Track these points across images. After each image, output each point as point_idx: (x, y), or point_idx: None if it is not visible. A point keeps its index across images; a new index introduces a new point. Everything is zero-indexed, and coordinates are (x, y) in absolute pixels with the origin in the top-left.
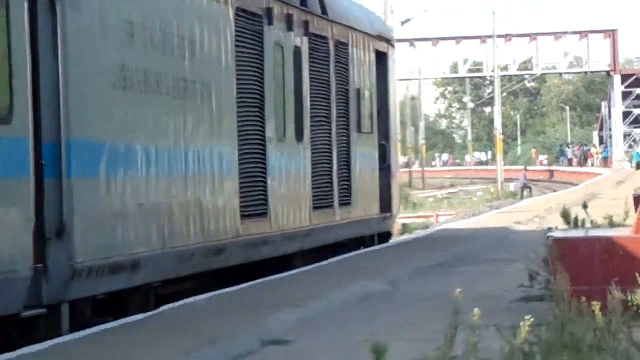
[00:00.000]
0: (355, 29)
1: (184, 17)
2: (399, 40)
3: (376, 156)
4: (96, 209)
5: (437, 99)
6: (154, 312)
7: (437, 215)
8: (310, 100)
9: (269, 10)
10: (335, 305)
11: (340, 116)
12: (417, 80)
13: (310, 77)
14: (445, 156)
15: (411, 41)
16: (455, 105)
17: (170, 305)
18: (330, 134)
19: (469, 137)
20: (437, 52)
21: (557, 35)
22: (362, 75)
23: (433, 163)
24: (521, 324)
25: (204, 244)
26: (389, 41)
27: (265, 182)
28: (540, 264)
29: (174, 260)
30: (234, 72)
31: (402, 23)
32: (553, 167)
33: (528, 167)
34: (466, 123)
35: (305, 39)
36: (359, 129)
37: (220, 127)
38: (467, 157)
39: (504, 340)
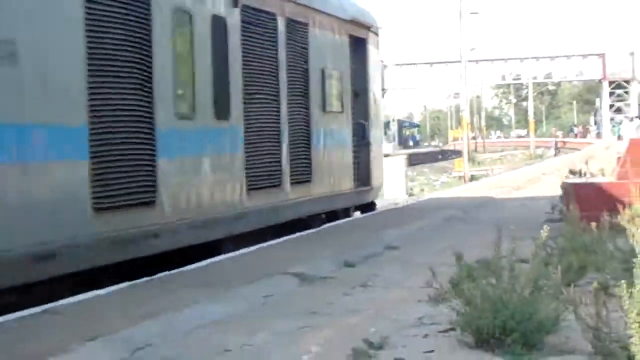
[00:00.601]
0: (318, 10)
1: None
2: (470, 61)
3: (348, 134)
4: None
5: (492, 97)
6: (316, 229)
7: (493, 169)
8: (246, 79)
9: None
10: (427, 225)
11: (295, 95)
12: (480, 86)
13: (245, 54)
14: (498, 133)
15: (477, 61)
16: (504, 100)
17: (327, 225)
18: (278, 113)
19: (513, 120)
20: (493, 67)
21: (568, 56)
22: (327, 56)
23: (490, 137)
24: (541, 231)
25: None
26: (369, 28)
27: (154, 166)
28: (558, 200)
29: None
30: (82, 34)
31: (471, 50)
32: (566, 139)
33: (548, 139)
34: (511, 112)
35: (235, 10)
36: (323, 108)
37: (49, 101)
38: (512, 133)
39: (535, 245)
